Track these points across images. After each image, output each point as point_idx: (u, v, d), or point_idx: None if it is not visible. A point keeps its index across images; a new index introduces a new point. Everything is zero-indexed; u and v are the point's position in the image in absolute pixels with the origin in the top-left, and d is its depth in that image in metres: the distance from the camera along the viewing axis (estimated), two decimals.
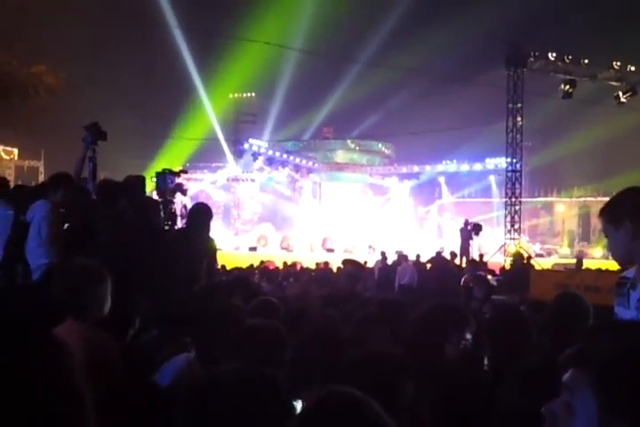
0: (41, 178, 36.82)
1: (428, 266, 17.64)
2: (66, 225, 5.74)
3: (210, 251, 6.03)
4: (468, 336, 2.89)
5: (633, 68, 24.57)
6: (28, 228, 5.67)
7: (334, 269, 16.68)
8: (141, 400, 2.78)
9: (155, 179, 7.30)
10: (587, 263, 21.35)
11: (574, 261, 21.96)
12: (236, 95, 52.45)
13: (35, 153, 44.55)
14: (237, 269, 16.55)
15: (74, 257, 5.04)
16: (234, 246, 35.24)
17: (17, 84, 24.84)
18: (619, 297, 2.82)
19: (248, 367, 1.80)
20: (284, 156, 39.61)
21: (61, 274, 3.20)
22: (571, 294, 4.14)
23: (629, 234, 2.58)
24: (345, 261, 14.33)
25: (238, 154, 39.64)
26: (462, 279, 9.73)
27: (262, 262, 19.65)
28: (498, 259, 24.08)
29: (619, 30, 48.09)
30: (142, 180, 6.44)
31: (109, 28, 45.19)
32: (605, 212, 2.68)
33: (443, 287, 13.19)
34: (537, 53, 24.25)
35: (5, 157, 44.66)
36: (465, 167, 41.58)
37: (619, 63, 24.48)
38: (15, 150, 45.14)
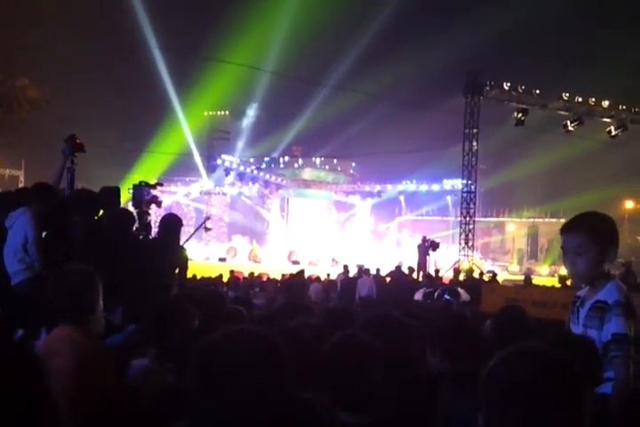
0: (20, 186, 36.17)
1: (388, 279, 17.66)
2: (44, 233, 5.63)
3: (182, 260, 5.97)
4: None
5: (580, 99, 25.05)
6: (6, 234, 5.55)
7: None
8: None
9: (132, 190, 7.22)
10: (534, 280, 21.54)
11: (523, 277, 22.17)
12: (211, 113, 52.48)
13: (15, 163, 43.86)
14: (207, 278, 16.42)
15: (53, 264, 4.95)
16: (204, 257, 34.96)
17: (1, 97, 24.48)
18: (572, 314, 2.85)
19: (250, 328, 1.88)
20: (255, 172, 39.55)
21: (55, 278, 3.11)
22: (514, 307, 4.22)
23: (597, 258, 2.65)
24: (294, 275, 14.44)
25: (211, 169, 39.46)
26: (436, 292, 9.82)
27: (232, 272, 19.53)
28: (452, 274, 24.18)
29: (569, 64, 49.16)
30: (117, 191, 6.35)
31: (92, 46, 44.93)
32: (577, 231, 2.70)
33: (400, 299, 13.21)
34: (492, 83, 24.59)
35: None
36: (424, 187, 41.83)
37: (567, 94, 24.94)
38: None
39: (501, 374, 1.44)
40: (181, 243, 6.48)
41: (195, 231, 12.39)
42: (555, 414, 1.38)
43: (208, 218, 19.81)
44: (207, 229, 22.58)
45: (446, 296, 9.37)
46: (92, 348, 2.91)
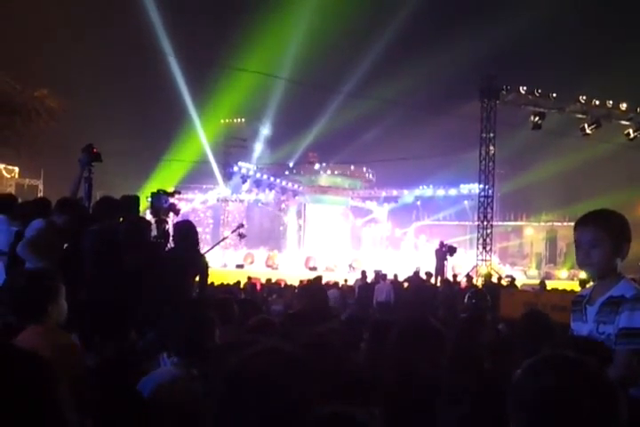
0: (40, 196, 36.45)
1: (406, 285, 17.60)
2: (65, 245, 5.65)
3: (201, 267, 6.00)
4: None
5: (597, 102, 24.89)
6: None
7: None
8: (122, 405, 2.75)
9: (150, 199, 7.27)
10: (553, 284, 21.41)
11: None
12: (227, 121, 52.70)
13: (35, 172, 44.37)
14: (225, 285, 16.46)
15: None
16: (221, 264, 35.06)
17: (20, 107, 24.73)
18: (575, 313, 2.86)
19: (274, 344, 1.88)
20: (271, 178, 39.66)
21: (18, 281, 3.15)
22: (536, 311, 4.21)
23: (612, 251, 2.66)
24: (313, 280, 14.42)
25: (228, 176, 39.70)
26: (466, 296, 9.84)
27: (250, 278, 19.60)
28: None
29: (586, 67, 48.88)
30: (137, 199, 6.41)
31: (109, 56, 45.35)
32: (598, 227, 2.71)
33: (419, 304, 13.18)
34: (509, 87, 24.52)
35: (7, 175, 44.51)
36: (441, 192, 41.80)
37: (584, 97, 24.79)
38: (16, 169, 44.96)
39: (530, 383, 1.40)
40: (211, 248, 6.52)
41: (225, 238, 12.42)
42: (587, 424, 1.34)
43: (242, 225, 19.75)
44: (242, 236, 22.61)
45: (473, 300, 9.35)
46: (62, 343, 2.94)
